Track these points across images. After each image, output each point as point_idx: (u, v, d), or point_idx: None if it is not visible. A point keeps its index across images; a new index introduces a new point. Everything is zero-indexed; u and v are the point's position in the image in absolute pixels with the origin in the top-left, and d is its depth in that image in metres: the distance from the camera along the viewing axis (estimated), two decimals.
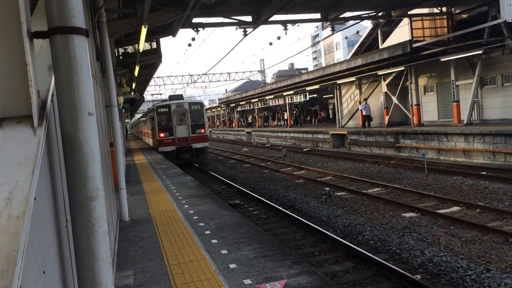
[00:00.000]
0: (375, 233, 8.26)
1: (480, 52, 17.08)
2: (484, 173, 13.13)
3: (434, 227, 8.37)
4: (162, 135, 21.95)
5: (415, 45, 18.20)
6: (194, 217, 7.94)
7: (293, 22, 16.27)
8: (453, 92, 19.11)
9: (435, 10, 19.52)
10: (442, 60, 18.49)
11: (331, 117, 41.47)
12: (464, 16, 19.21)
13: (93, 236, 2.04)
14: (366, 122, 24.11)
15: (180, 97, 24.45)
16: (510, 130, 14.01)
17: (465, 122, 18.35)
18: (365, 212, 9.93)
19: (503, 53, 17.11)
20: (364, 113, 23.94)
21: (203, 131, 22.36)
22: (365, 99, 24.34)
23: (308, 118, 42.41)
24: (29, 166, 1.57)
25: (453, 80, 19.09)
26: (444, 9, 19.28)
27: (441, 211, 9.32)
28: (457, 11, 19.31)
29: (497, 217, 8.73)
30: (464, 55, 17.62)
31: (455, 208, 9.59)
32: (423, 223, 8.66)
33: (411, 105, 21.80)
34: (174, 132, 21.88)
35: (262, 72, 69.09)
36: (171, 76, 54.68)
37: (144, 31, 9.62)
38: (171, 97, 24.32)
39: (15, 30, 1.80)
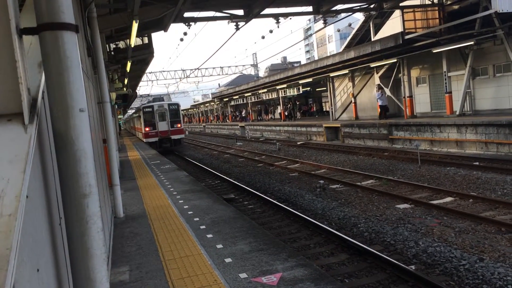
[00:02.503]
0: (370, 225, 8.31)
1: (472, 43, 17.13)
2: (477, 163, 13.22)
3: (427, 218, 8.43)
4: (147, 129, 27.64)
5: (407, 37, 18.21)
6: (189, 212, 7.94)
7: (285, 15, 16.21)
8: (445, 83, 19.19)
9: (427, 2, 19.52)
10: (434, 51, 18.54)
11: (324, 110, 41.50)
12: (456, 7, 19.21)
13: (86, 233, 2.03)
14: (383, 113, 22.11)
15: (161, 99, 30.77)
16: (502, 121, 14.11)
17: (457, 113, 18.44)
18: (359, 204, 9.98)
19: (494, 43, 17.17)
20: (380, 103, 22.12)
21: (179, 125, 28.24)
22: (381, 88, 22.68)
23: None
24: (21, 163, 1.56)
25: (445, 72, 19.15)
26: (435, 0, 19.29)
27: (434, 202, 9.38)
28: (449, 2, 19.31)
29: (490, 207, 8.80)
30: (455, 46, 17.67)
31: (448, 199, 9.66)
32: (417, 214, 8.72)
33: (404, 97, 21.86)
34: (157, 126, 27.49)
35: (255, 66, 68.89)
36: (164, 71, 54.39)
37: (135, 26, 9.55)
38: (154, 99, 30.36)
39: (3, 26, 1.77)
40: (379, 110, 23.49)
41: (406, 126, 18.79)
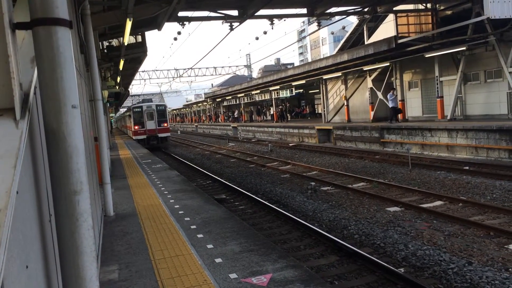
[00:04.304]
0: (360, 227, 8.34)
1: (464, 48, 17.28)
2: (467, 168, 13.33)
3: (417, 221, 8.48)
4: (136, 127, 30.10)
5: (400, 41, 18.33)
6: (180, 212, 7.92)
7: (280, 17, 16.24)
8: (437, 88, 19.33)
9: (420, 7, 19.67)
10: (426, 56, 18.67)
11: (317, 112, 41.60)
12: (448, 12, 19.40)
13: (77, 231, 2.01)
14: (394, 116, 20.78)
15: (149, 100, 34.48)
16: (493, 126, 14.24)
17: (448, 117, 18.58)
18: (350, 207, 10.01)
19: (486, 49, 17.33)
20: (390, 104, 20.83)
21: (166, 124, 30.75)
22: (393, 89, 21.55)
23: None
24: (11, 159, 1.54)
25: (437, 76, 19.30)
26: (428, 5, 19.44)
27: (424, 205, 9.44)
28: (442, 7, 19.48)
29: (479, 211, 8.88)
30: (448, 51, 17.82)
31: (438, 203, 9.73)
32: (407, 217, 8.77)
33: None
34: (145, 125, 29.88)
35: (248, 67, 68.94)
36: (157, 70, 54.24)
37: (129, 24, 9.51)
38: (143, 101, 33.70)
39: None
40: (371, 113, 23.63)
41: (398, 129, 18.89)
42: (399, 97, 21.80)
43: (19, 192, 1.51)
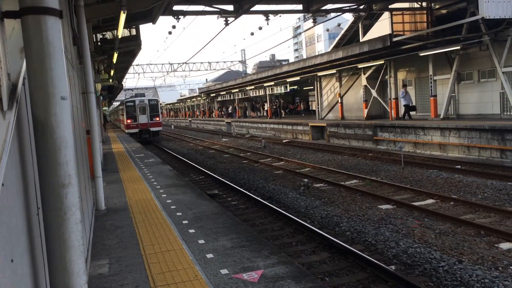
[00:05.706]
0: (352, 225, 8.35)
1: (458, 47, 17.33)
2: (459, 167, 13.39)
3: (409, 219, 8.51)
4: (129, 121, 30.94)
5: (395, 39, 18.33)
6: (172, 207, 7.88)
7: (275, 12, 16.20)
8: (431, 86, 19.38)
9: (415, 5, 19.70)
10: (421, 54, 18.71)
11: (311, 109, 41.61)
12: (444, 11, 19.44)
13: (64, 224, 1.98)
14: (406, 114, 20.11)
15: (142, 95, 35.44)
16: (485, 125, 14.32)
17: (441, 116, 18.65)
18: (342, 204, 10.03)
19: (480, 49, 17.40)
20: (403, 102, 20.26)
21: (157, 119, 31.57)
22: (405, 85, 20.92)
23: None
24: None
25: (431, 75, 19.35)
26: (424, 4, 19.47)
27: (416, 204, 9.47)
28: (437, 6, 19.52)
29: (470, 210, 8.92)
30: (442, 50, 17.86)
31: (430, 201, 9.76)
32: (399, 215, 8.79)
33: (390, 99, 22.02)
34: (138, 119, 30.70)
35: (243, 62, 68.82)
36: (151, 64, 53.99)
37: (123, 17, 9.41)
38: (136, 95, 34.62)
39: None
40: (365, 111, 23.66)
41: (391, 127, 18.93)
42: (393, 95, 21.83)
43: (4, 184, 1.48)
